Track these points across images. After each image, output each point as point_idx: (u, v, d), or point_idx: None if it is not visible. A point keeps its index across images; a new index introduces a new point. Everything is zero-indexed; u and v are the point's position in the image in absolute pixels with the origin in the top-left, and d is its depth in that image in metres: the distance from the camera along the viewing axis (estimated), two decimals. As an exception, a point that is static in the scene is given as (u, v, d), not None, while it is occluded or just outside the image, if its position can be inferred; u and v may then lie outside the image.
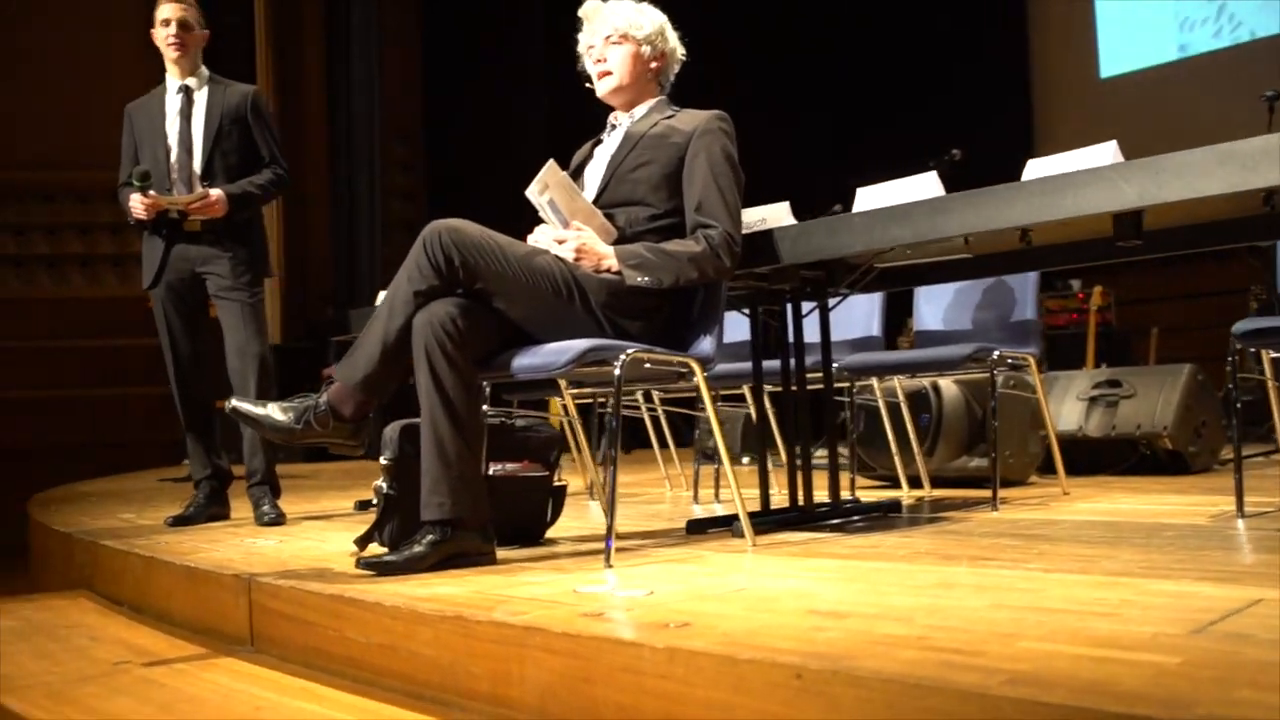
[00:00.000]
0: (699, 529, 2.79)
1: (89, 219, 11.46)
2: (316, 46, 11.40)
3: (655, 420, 4.61)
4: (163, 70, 3.85)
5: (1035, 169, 2.24)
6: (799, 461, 2.87)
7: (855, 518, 2.97)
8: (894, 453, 3.70)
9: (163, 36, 3.74)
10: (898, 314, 4.04)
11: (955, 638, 1.41)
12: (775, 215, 2.68)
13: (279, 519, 3.61)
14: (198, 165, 3.72)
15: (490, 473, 2.59)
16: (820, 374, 2.98)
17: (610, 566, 2.22)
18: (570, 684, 1.55)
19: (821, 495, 2.94)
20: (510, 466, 2.64)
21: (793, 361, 2.91)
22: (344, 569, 2.30)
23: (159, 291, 3.74)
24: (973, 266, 2.86)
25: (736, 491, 2.48)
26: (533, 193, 2.43)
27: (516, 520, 2.65)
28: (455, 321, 2.27)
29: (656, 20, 2.68)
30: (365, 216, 10.93)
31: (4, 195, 12.00)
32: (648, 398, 4.50)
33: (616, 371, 2.29)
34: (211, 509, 3.77)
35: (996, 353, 3.14)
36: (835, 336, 3.56)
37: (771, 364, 3.06)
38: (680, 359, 2.41)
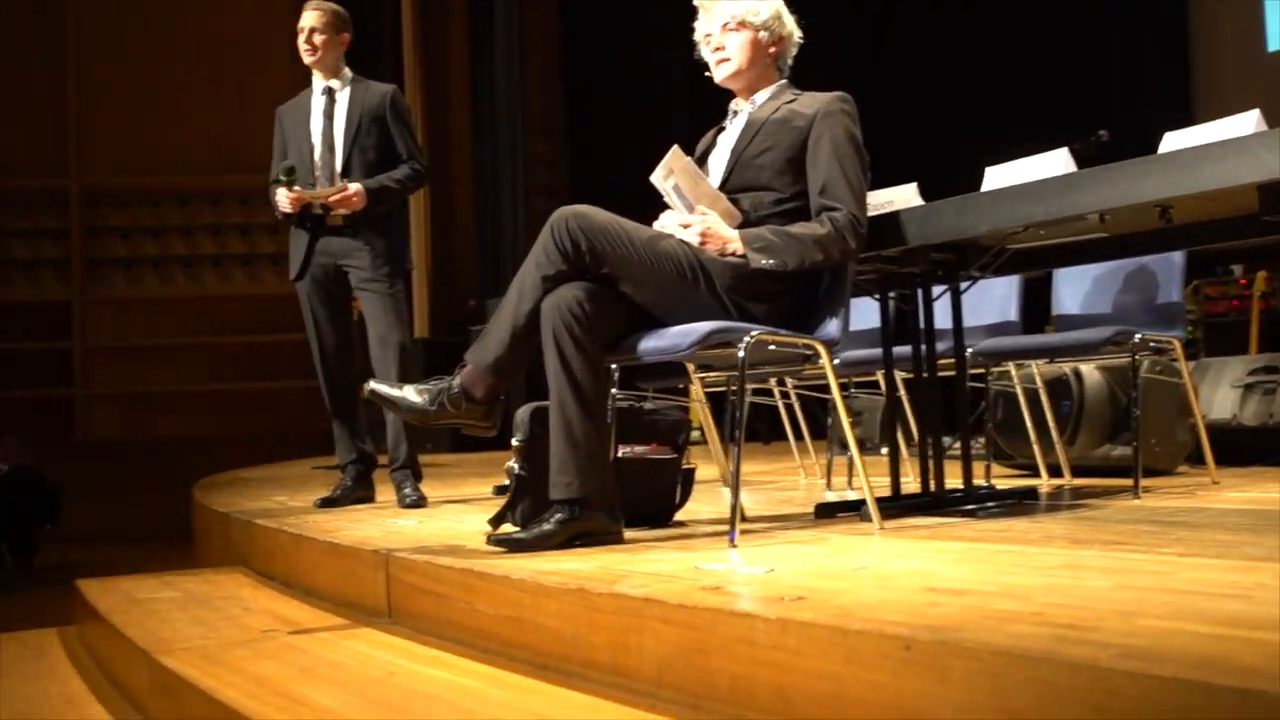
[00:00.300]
0: (828, 513, 2.78)
1: (249, 220, 12.04)
2: (460, 47, 11.69)
3: (790, 409, 4.61)
4: (309, 74, 4.04)
5: (1172, 141, 2.17)
6: (930, 448, 2.84)
7: (989, 504, 2.91)
8: (1033, 441, 3.61)
9: (300, 43, 3.93)
10: (1038, 299, 3.93)
11: (1072, 614, 1.38)
12: (903, 196, 2.65)
13: (420, 501, 3.74)
14: (339, 162, 3.89)
15: (619, 455, 2.64)
16: (953, 360, 2.94)
17: (734, 546, 2.23)
18: (686, 655, 1.58)
19: (956, 482, 2.90)
20: (639, 449, 2.68)
21: (923, 347, 2.87)
22: (477, 546, 2.38)
23: (304, 284, 3.92)
24: (1113, 246, 2.75)
25: (864, 476, 2.47)
26: (657, 178, 2.46)
27: (645, 501, 2.69)
28: (582, 305, 2.33)
29: (773, 4, 2.67)
30: (508, 212, 11.19)
31: (174, 198, 12.67)
32: (782, 384, 4.50)
33: (740, 353, 2.30)
34: (357, 492, 3.93)
35: (1138, 336, 3.04)
36: (971, 321, 3.51)
37: (904, 350, 3.03)
38: (805, 341, 2.42)
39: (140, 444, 12.27)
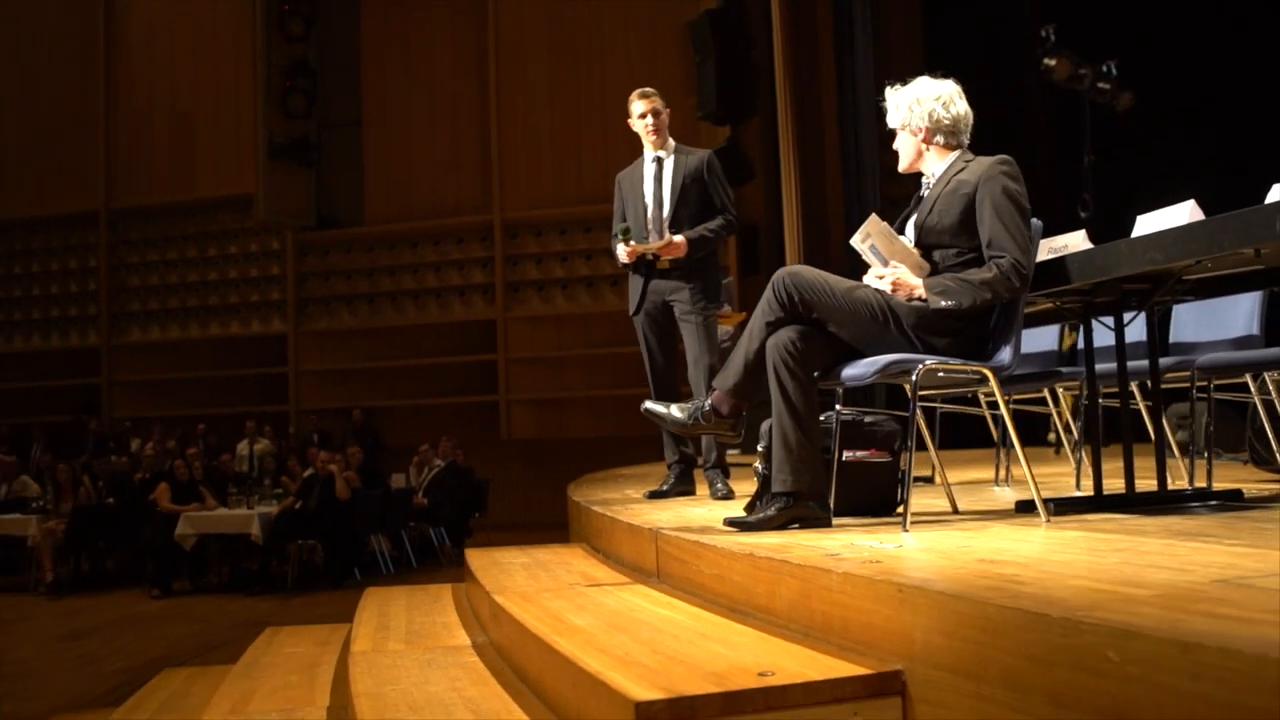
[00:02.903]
0: (1027, 508, 3.28)
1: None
2: (829, 82, 12.33)
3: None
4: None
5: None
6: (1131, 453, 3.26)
7: (1194, 504, 3.28)
8: (1275, 448, 3.85)
9: (640, 126, 4.84)
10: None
11: (1040, 577, 1.95)
12: (1074, 242, 3.12)
13: (729, 495, 4.53)
14: (667, 217, 4.78)
15: (844, 458, 3.31)
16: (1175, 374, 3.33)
17: (906, 530, 2.85)
18: (799, 599, 2.27)
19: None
20: (860, 454, 3.33)
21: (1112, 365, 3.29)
22: (721, 528, 3.14)
23: (639, 317, 4.84)
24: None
25: (1030, 477, 2.99)
26: (855, 241, 3.11)
27: (868, 494, 3.34)
28: (795, 344, 3.03)
29: (930, 103, 3.20)
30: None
31: (578, 226, 14.28)
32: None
33: (913, 378, 2.91)
34: (680, 486, 4.79)
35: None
36: (1214, 336, 3.85)
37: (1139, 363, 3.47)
38: (974, 368, 2.98)
39: (552, 443, 13.99)
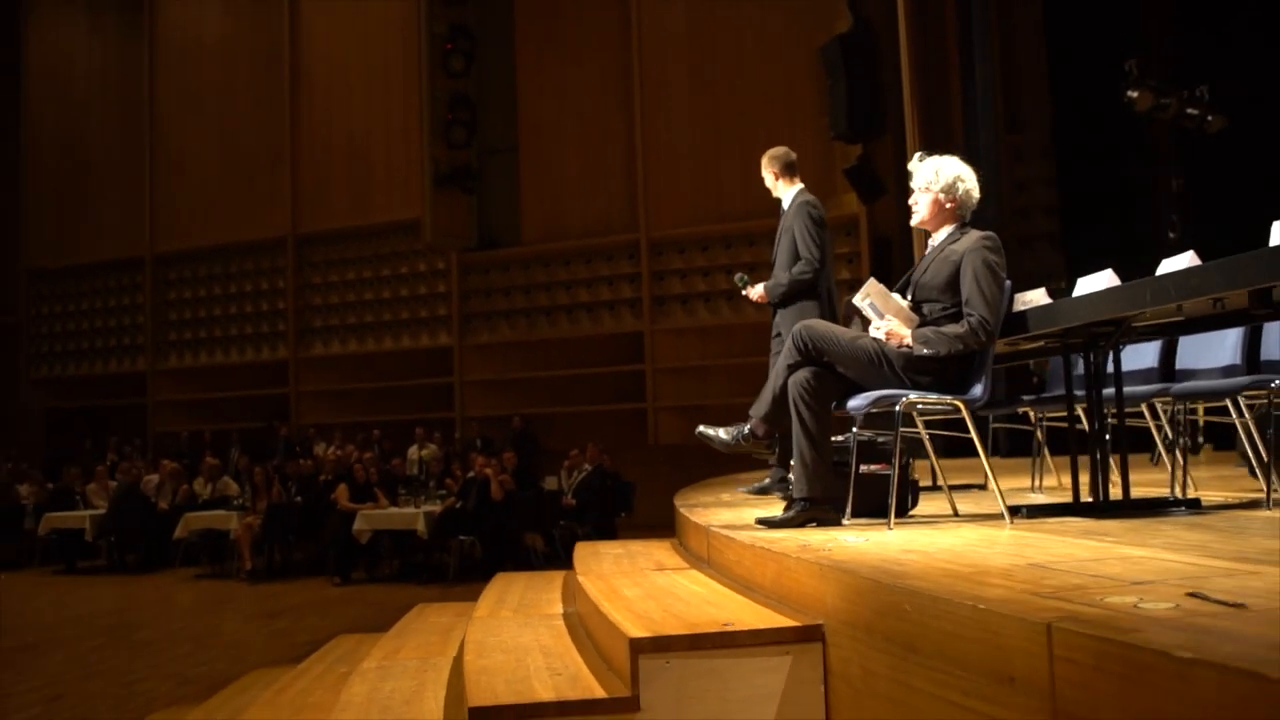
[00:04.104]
0: (1015, 513, 4.00)
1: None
2: (956, 100, 12.87)
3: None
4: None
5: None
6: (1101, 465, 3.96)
7: (1141, 510, 3.94)
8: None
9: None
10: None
11: (918, 558, 2.74)
12: (1035, 298, 3.85)
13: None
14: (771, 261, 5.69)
15: (860, 471, 4.10)
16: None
17: (890, 529, 3.64)
18: (775, 576, 3.11)
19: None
20: (874, 467, 4.11)
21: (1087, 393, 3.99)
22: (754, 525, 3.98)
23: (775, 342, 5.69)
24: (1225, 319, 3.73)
25: (995, 484, 3.73)
26: (856, 299, 3.91)
27: (880, 500, 4.11)
28: (810, 382, 3.85)
29: (951, 175, 3.96)
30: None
31: (719, 242, 15.09)
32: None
33: (897, 408, 3.70)
34: (776, 488, 5.60)
35: (1275, 383, 3.90)
36: (1207, 364, 4.50)
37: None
38: (950, 401, 3.75)
39: (696, 447, 14.83)
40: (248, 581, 11.07)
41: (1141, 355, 4.94)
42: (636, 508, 13.02)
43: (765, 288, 5.60)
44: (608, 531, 12.69)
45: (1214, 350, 4.57)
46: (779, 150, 5.88)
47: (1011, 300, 3.96)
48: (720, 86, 15.22)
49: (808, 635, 2.71)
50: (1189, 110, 8.12)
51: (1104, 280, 3.49)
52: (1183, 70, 8.64)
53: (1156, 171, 9.84)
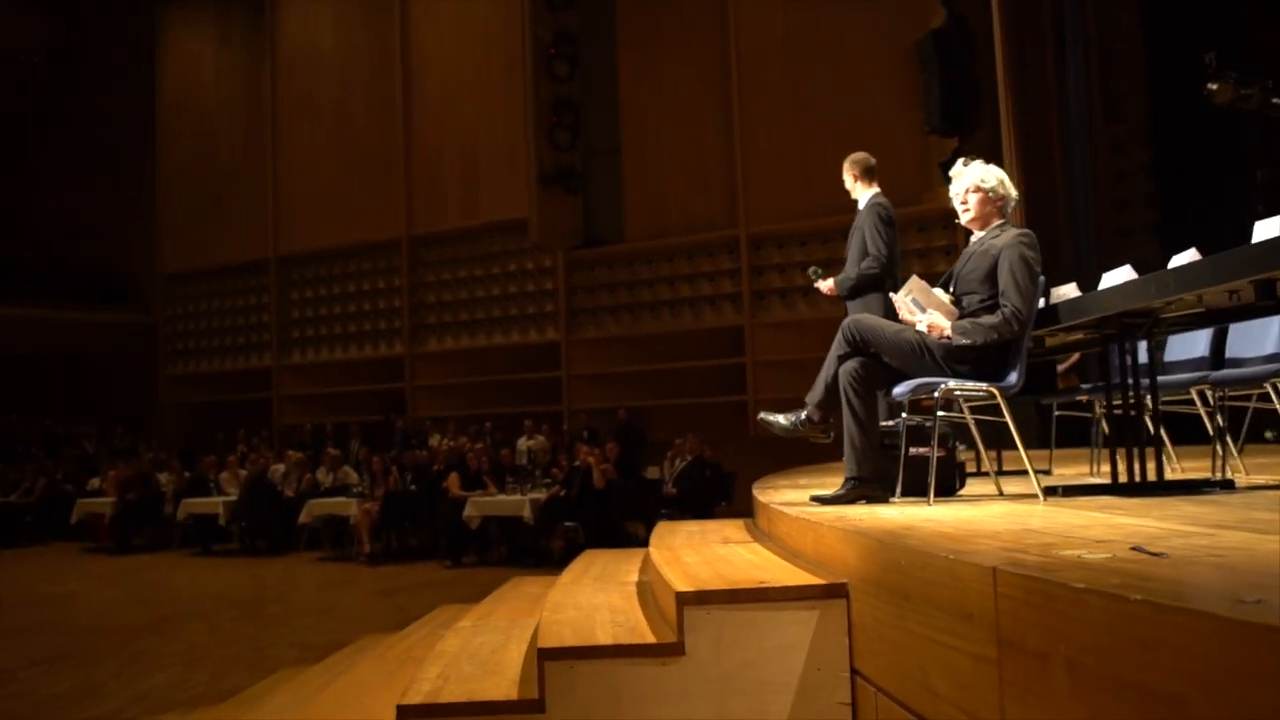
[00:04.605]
0: (1051, 492, 4.30)
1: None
2: (1051, 94, 12.92)
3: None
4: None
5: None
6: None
7: (1211, 489, 4.20)
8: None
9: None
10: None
11: (930, 526, 3.10)
12: (1066, 292, 4.14)
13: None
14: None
15: (909, 453, 4.44)
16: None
17: (930, 504, 3.99)
18: (814, 542, 3.50)
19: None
20: (922, 450, 4.45)
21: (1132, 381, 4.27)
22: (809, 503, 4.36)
23: None
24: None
25: (1030, 467, 4.05)
26: (899, 295, 4.26)
27: (928, 481, 4.46)
28: (858, 371, 4.21)
29: (995, 176, 4.29)
30: (1090, 238, 12.34)
31: (817, 238, 15.29)
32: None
33: (936, 394, 4.05)
34: None
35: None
36: (1255, 352, 4.73)
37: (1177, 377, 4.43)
38: (984, 388, 4.07)
39: (796, 439, 15.15)
40: (366, 564, 11.79)
41: (1193, 344, 5.16)
42: (736, 497, 13.39)
43: (836, 281, 5.97)
44: (707, 519, 13.10)
45: (1261, 339, 4.79)
46: (860, 155, 6.24)
47: (1048, 294, 4.25)
48: (816, 83, 15.45)
49: (834, 592, 3.09)
50: (1275, 100, 8.15)
51: (1124, 275, 3.79)
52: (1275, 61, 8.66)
53: (1246, 162, 9.85)
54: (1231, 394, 4.72)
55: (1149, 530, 2.76)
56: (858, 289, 5.94)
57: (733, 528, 5.34)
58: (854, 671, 3.06)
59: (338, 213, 18.70)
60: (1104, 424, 5.96)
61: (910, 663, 2.60)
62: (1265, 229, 3.31)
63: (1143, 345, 4.30)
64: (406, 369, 18.14)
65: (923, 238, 14.71)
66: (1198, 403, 5.28)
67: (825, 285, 6.10)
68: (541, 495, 11.69)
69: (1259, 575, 1.92)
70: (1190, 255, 3.78)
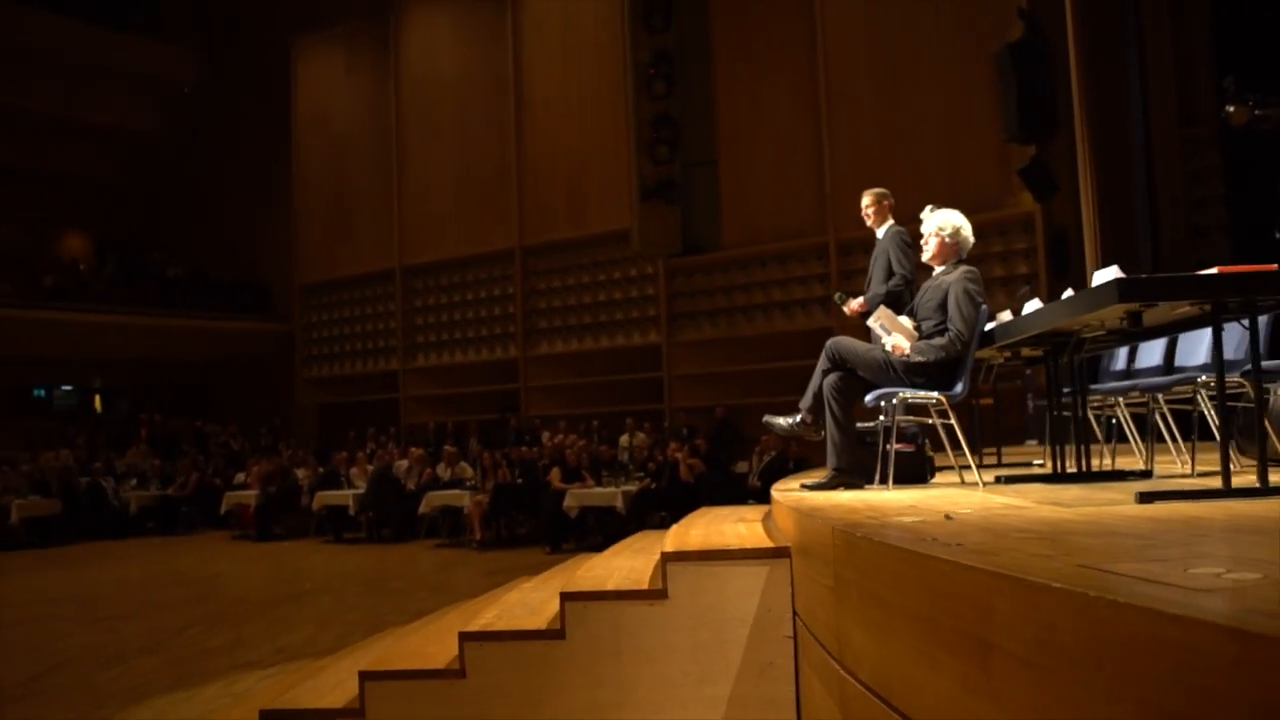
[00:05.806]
0: (1006, 480, 5.21)
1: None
2: (1125, 103, 13.48)
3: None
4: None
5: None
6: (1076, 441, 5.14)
7: (1095, 481, 5.08)
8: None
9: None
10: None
11: (872, 509, 4.10)
12: (1004, 316, 5.08)
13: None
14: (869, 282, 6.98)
15: (885, 449, 5.42)
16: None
17: (889, 489, 4.97)
18: (784, 520, 4.53)
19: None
20: (900, 446, 5.42)
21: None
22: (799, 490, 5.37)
23: None
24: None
25: (972, 460, 4.99)
26: (871, 321, 5.25)
27: (907, 472, 5.42)
28: (837, 383, 5.22)
29: (953, 224, 5.24)
30: (1165, 238, 12.93)
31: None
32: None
33: (894, 402, 5.03)
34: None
35: (1201, 377, 4.97)
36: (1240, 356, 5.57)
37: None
38: (934, 396, 5.03)
39: (794, 436, 15.96)
40: (477, 550, 13.11)
41: (1152, 353, 6.00)
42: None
43: (865, 298, 6.90)
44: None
45: (1195, 351, 5.63)
46: (882, 190, 7.16)
47: (991, 319, 5.20)
48: (900, 95, 16.21)
49: (779, 554, 4.14)
50: (1294, 119, 8.79)
51: (1110, 274, 4.69)
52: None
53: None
54: (1167, 399, 5.57)
55: (992, 504, 3.74)
56: (873, 305, 6.88)
57: (755, 512, 6.37)
58: (795, 612, 4.10)
59: (456, 226, 20.20)
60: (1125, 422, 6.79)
61: (812, 599, 3.64)
62: (1100, 276, 4.24)
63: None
64: (520, 371, 19.50)
65: (1003, 240, 15.33)
66: (1121, 407, 6.13)
67: (853, 304, 6.99)
68: (634, 487, 12.83)
69: (994, 532, 2.90)
70: (1112, 272, 4.68)
